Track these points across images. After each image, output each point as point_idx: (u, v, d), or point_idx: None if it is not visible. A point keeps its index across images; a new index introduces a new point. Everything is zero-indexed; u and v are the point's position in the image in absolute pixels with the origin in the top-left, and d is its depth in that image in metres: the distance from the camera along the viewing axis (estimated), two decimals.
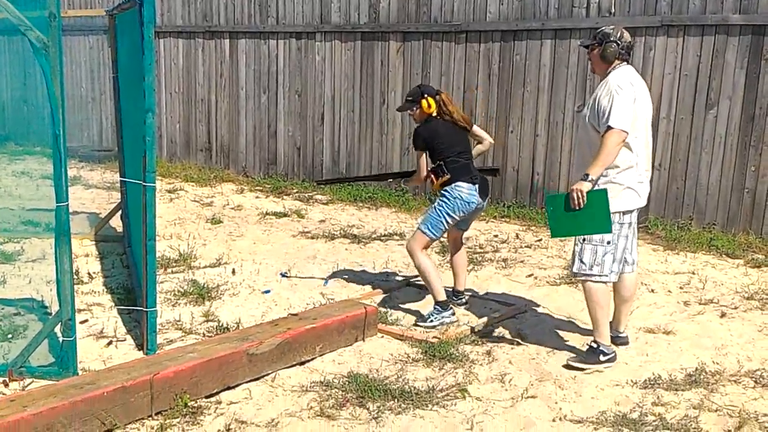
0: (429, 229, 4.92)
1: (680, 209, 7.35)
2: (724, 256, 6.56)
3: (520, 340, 4.72)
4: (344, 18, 9.34)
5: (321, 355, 4.41)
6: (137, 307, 4.75)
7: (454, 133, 5.03)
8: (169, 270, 6.01)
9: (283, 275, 6.00)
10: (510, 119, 8.28)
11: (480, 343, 4.65)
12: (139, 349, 4.42)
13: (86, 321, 4.84)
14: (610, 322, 4.48)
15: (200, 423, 3.61)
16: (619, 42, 4.25)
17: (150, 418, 3.62)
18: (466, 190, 4.90)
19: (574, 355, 4.38)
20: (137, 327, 4.71)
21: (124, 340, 4.59)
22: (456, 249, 5.33)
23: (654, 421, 3.67)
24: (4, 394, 3.77)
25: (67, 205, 3.87)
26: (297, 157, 10.11)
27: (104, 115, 12.40)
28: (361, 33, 9.24)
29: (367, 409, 3.77)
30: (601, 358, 4.27)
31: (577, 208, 4.07)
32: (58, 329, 4.01)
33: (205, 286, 5.55)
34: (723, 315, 5.17)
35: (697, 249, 6.72)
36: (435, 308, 4.96)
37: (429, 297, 5.44)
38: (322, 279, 5.91)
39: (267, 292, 5.59)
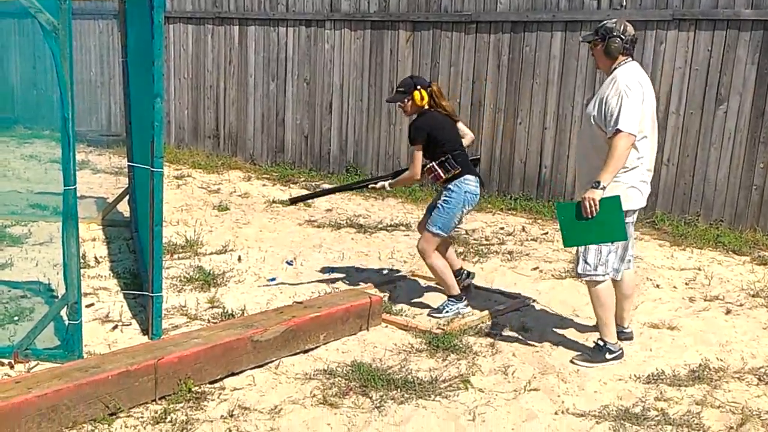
0: (441, 229, 4.82)
1: (687, 205, 7.32)
2: (730, 252, 6.53)
3: (523, 333, 4.72)
4: (354, 6, 9.32)
5: (325, 344, 4.42)
6: (143, 292, 4.76)
7: (452, 125, 4.93)
8: (175, 256, 6.03)
9: (288, 263, 6.01)
10: (519, 111, 8.25)
11: (484, 334, 4.65)
12: (144, 334, 4.44)
13: (92, 305, 4.86)
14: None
15: (204, 408, 3.63)
16: (623, 36, 4.13)
17: (154, 403, 3.63)
18: (473, 183, 4.86)
19: (579, 353, 4.37)
20: (143, 312, 4.73)
21: (130, 324, 4.61)
22: (446, 248, 5.15)
23: (656, 416, 3.67)
24: (9, 375, 3.79)
25: (75, 188, 3.87)
26: (305, 145, 10.11)
27: (113, 99, 12.42)
28: (371, 22, 9.21)
29: (370, 398, 3.78)
30: (607, 356, 4.26)
31: (590, 216, 3.99)
32: (64, 312, 4.03)
33: (211, 272, 5.56)
34: (728, 312, 5.16)
35: (704, 245, 6.70)
36: (450, 299, 4.95)
37: (433, 287, 5.46)
38: (328, 268, 5.92)
39: (272, 279, 5.60)
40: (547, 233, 7.12)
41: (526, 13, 8.01)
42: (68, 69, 3.73)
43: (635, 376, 4.12)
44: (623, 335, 4.57)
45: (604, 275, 4.21)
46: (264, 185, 9.26)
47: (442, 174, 4.80)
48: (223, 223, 7.26)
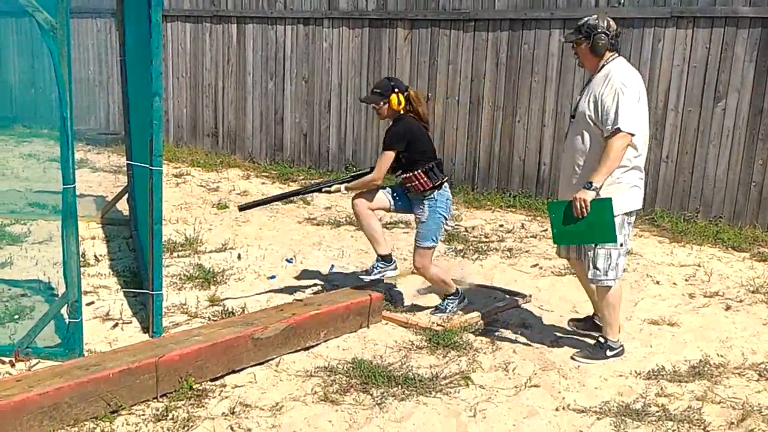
0: (432, 241, 4.75)
1: (687, 202, 7.33)
2: (730, 249, 6.54)
3: (524, 330, 4.72)
4: (352, 4, 9.31)
5: (325, 341, 4.43)
6: (143, 290, 4.76)
7: (426, 133, 4.80)
8: (175, 254, 6.03)
9: (288, 261, 6.01)
10: (517, 109, 8.25)
11: (484, 331, 4.66)
12: (145, 332, 4.44)
13: (92, 303, 4.86)
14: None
15: (205, 405, 3.64)
16: (608, 32, 4.03)
17: (155, 400, 3.64)
18: (449, 189, 4.83)
19: (579, 350, 4.37)
20: (143, 310, 4.73)
21: (130, 322, 4.61)
22: (372, 198, 4.82)
23: (657, 411, 3.68)
24: (10, 374, 3.79)
25: (74, 187, 3.88)
26: (303, 143, 10.10)
27: (111, 98, 12.40)
28: (369, 20, 9.20)
29: (371, 395, 3.78)
30: (608, 353, 4.27)
31: (581, 217, 3.97)
32: (64, 311, 4.03)
33: (211, 270, 5.56)
34: (728, 308, 5.17)
35: (703, 242, 6.71)
36: (449, 297, 4.96)
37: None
38: (328, 265, 5.92)
39: (272, 277, 5.60)
40: (546, 230, 7.12)
41: (524, 11, 8.01)
42: (66, 68, 3.73)
43: (636, 372, 4.13)
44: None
45: (614, 279, 4.18)
46: (263, 183, 9.26)
47: (428, 183, 4.64)
48: (222, 221, 7.26)
